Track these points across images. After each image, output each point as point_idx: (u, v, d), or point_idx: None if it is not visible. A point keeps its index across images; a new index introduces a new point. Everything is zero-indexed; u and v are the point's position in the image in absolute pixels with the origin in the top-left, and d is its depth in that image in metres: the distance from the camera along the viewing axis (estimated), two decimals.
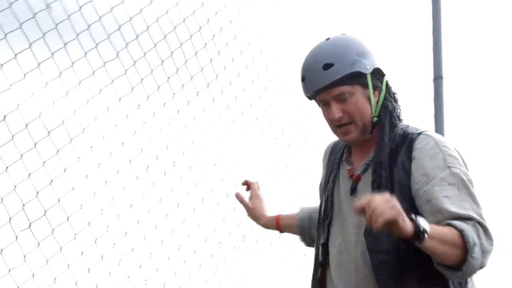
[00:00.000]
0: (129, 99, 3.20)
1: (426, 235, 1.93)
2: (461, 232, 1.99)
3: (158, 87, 3.27)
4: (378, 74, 2.20)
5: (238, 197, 2.60)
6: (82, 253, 3.07)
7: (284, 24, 3.92)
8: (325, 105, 2.17)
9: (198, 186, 3.49)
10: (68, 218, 3.00)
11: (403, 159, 2.12)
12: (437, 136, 2.17)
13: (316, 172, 3.76)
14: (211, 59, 3.44)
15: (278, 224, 2.61)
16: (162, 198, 3.37)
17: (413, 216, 1.93)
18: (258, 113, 3.73)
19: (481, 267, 2.03)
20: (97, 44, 3.03)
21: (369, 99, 2.16)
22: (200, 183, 3.48)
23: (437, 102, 4.54)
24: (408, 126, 2.21)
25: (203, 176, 3.49)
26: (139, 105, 3.27)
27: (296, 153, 3.86)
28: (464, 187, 2.08)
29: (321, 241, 2.27)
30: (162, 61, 3.25)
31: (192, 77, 3.36)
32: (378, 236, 2.08)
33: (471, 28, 5.58)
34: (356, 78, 2.13)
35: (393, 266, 2.08)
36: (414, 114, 4.63)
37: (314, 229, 2.44)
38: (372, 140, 2.20)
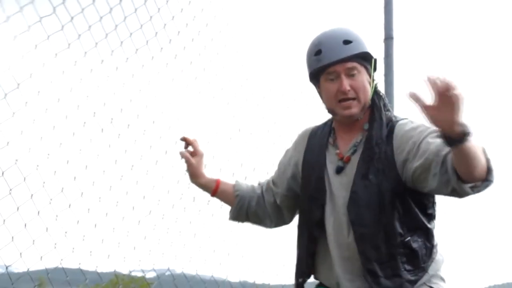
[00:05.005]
0: (65, 55, 3.17)
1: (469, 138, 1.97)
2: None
3: (96, 43, 3.24)
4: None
5: (184, 154, 2.61)
6: (18, 208, 3.07)
7: None
8: (333, 79, 2.37)
9: (136, 143, 3.50)
10: (3, 174, 3.00)
11: (385, 141, 2.32)
12: (410, 118, 2.37)
13: (270, 135, 3.77)
14: (151, 16, 3.43)
15: (217, 188, 2.65)
16: (100, 154, 3.37)
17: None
18: (198, 71, 3.73)
19: None
20: None
21: (369, 82, 2.39)
22: (138, 140, 3.49)
23: (387, 62, 4.61)
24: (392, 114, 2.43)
25: (141, 134, 3.50)
26: (75, 61, 3.24)
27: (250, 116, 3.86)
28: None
29: (316, 218, 2.42)
30: (101, 17, 3.21)
31: (131, 34, 3.34)
32: (360, 212, 2.30)
33: None
34: (365, 60, 2.40)
35: (372, 239, 2.29)
36: None
37: (257, 207, 2.64)
38: (357, 125, 2.41)
